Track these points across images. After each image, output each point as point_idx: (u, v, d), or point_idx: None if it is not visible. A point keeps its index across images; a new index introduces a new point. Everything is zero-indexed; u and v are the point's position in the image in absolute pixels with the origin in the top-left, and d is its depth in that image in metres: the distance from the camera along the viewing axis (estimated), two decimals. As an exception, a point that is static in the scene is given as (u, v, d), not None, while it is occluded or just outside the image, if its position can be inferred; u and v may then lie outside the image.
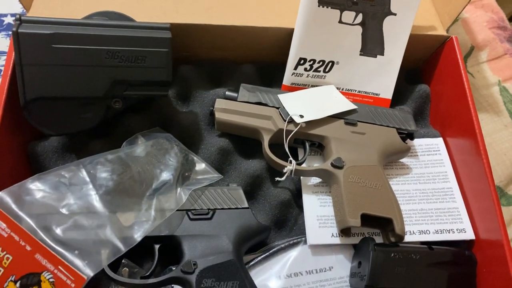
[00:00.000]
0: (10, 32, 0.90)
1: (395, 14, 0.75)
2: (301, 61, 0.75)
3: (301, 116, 0.69)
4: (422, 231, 0.67)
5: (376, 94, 0.79)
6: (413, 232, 0.67)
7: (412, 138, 0.74)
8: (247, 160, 0.73)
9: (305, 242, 0.66)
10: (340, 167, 0.66)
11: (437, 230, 0.67)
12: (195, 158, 0.67)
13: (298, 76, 0.76)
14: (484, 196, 0.66)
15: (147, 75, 0.63)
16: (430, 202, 0.70)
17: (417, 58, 0.84)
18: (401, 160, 0.74)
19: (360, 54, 0.76)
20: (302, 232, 0.67)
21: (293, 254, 0.65)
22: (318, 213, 0.67)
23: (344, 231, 0.65)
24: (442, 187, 0.71)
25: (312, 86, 0.77)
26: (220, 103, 0.70)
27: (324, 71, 0.76)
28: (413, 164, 0.74)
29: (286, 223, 0.70)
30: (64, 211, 0.57)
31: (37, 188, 0.57)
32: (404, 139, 0.72)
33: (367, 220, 0.63)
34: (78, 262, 0.54)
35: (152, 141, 0.66)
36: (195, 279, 0.56)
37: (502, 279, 0.60)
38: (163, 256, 0.61)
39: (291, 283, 0.63)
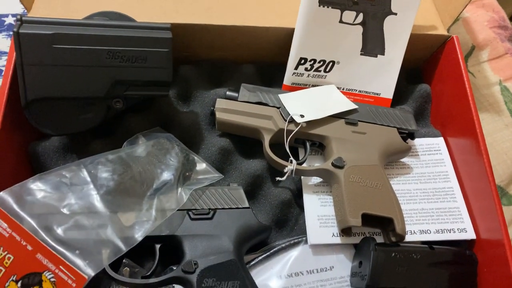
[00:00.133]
0: (11, 33, 0.90)
1: (395, 14, 0.74)
2: (302, 61, 0.75)
3: (302, 116, 0.69)
4: (423, 230, 0.67)
5: (377, 94, 0.79)
6: (414, 232, 0.67)
7: (413, 138, 0.74)
8: (248, 160, 0.73)
9: (306, 241, 0.66)
10: (341, 167, 0.66)
11: (438, 229, 0.67)
12: (195, 158, 0.67)
13: (298, 76, 0.76)
14: (485, 195, 0.66)
15: (148, 75, 0.63)
16: (431, 201, 0.70)
17: (417, 58, 0.84)
18: (401, 160, 0.74)
19: (361, 54, 0.76)
20: (303, 232, 0.67)
21: (293, 253, 0.65)
22: (319, 212, 0.67)
23: (345, 231, 0.65)
24: (443, 186, 0.71)
25: (313, 86, 0.77)
26: (220, 103, 0.70)
27: (325, 71, 0.76)
28: (413, 163, 0.74)
29: (287, 223, 0.70)
30: (65, 211, 0.57)
31: (38, 188, 0.57)
32: (405, 139, 0.72)
33: (368, 219, 0.63)
34: (79, 261, 0.54)
35: (153, 141, 0.66)
36: (196, 278, 0.56)
37: (503, 278, 0.60)
38: (164, 256, 0.61)
39: (291, 282, 0.63)
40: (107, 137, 0.71)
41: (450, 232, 0.67)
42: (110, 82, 0.62)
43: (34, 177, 0.58)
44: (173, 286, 0.61)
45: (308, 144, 0.71)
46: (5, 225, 0.53)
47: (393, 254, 0.60)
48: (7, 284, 0.52)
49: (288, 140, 0.68)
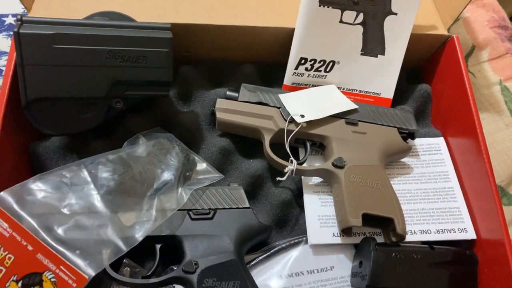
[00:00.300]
0: (11, 33, 0.90)
1: (396, 14, 0.74)
2: (302, 61, 0.75)
3: (302, 116, 0.69)
4: (423, 230, 0.67)
5: (377, 94, 0.79)
6: (414, 232, 0.67)
7: (413, 138, 0.74)
8: (248, 160, 0.73)
9: (306, 241, 0.66)
10: (341, 167, 0.66)
11: (438, 229, 0.67)
12: (196, 158, 0.67)
13: (299, 76, 0.76)
14: (485, 195, 0.66)
15: (148, 75, 0.63)
16: (431, 201, 0.70)
17: (418, 58, 0.84)
18: (402, 160, 0.74)
19: (361, 54, 0.76)
20: (303, 232, 0.67)
21: (294, 253, 0.65)
22: (319, 212, 0.67)
23: (345, 231, 0.65)
24: (443, 186, 0.71)
25: (313, 85, 0.77)
26: (221, 103, 0.70)
27: (325, 71, 0.76)
28: (414, 163, 0.74)
29: (287, 223, 0.70)
30: (65, 211, 0.57)
31: (38, 188, 0.57)
32: (405, 139, 0.72)
33: (368, 219, 0.63)
34: (79, 262, 0.54)
35: (153, 141, 0.66)
36: (196, 278, 0.57)
37: (503, 278, 0.60)
38: (164, 256, 0.61)
39: (292, 282, 0.63)
40: (108, 137, 0.71)
41: (450, 232, 0.67)
42: (111, 82, 0.62)
43: (35, 177, 0.58)
44: (174, 286, 0.61)
45: (308, 144, 0.71)
46: (6, 225, 0.53)
47: (393, 254, 0.60)
48: (7, 284, 0.52)
49: (289, 140, 0.68)
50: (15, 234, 0.53)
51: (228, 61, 0.81)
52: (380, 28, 0.75)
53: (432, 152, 0.75)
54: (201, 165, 0.67)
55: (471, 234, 0.67)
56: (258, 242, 0.65)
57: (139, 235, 0.57)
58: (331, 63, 0.76)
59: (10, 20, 0.95)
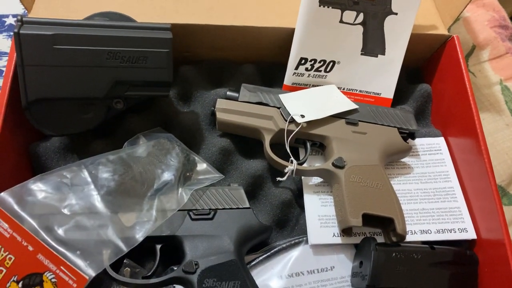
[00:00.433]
0: (12, 33, 0.90)
1: (396, 14, 0.74)
2: (302, 61, 0.75)
3: (302, 116, 0.69)
4: (423, 230, 0.67)
5: (377, 94, 0.79)
6: (415, 232, 0.67)
7: (413, 138, 0.74)
8: (248, 160, 0.73)
9: (307, 242, 0.66)
10: (341, 167, 0.66)
11: (438, 229, 0.67)
12: (196, 158, 0.67)
13: (299, 76, 0.76)
14: (486, 195, 0.66)
15: (148, 75, 0.63)
16: (432, 201, 0.70)
17: (418, 58, 0.84)
18: (402, 160, 0.74)
19: (361, 54, 0.76)
20: (304, 232, 0.67)
21: (294, 254, 0.65)
22: (320, 212, 0.67)
23: (346, 231, 0.65)
24: (444, 186, 0.71)
25: (313, 86, 0.77)
26: (221, 103, 0.70)
27: (325, 71, 0.76)
28: (414, 163, 0.74)
29: (288, 223, 0.71)
30: (66, 211, 0.57)
31: (39, 188, 0.57)
32: (405, 139, 0.72)
33: (369, 219, 0.63)
34: (80, 262, 0.54)
35: (154, 142, 0.66)
36: (197, 279, 0.57)
37: (503, 278, 0.60)
38: (164, 256, 0.61)
39: (292, 283, 0.63)
40: (108, 138, 0.71)
41: (450, 232, 0.67)
42: (111, 82, 0.62)
43: (35, 178, 0.58)
44: (174, 287, 0.61)
45: (308, 144, 0.71)
46: (6, 225, 0.54)
47: (393, 254, 0.60)
48: (8, 285, 0.52)
49: (289, 140, 0.68)
50: (15, 234, 0.53)
51: (228, 61, 0.81)
52: (380, 28, 0.75)
53: (433, 152, 0.75)
54: (201, 165, 0.67)
55: (471, 234, 0.67)
56: (259, 242, 0.65)
57: (140, 236, 0.57)
58: (331, 63, 0.76)
59: (10, 20, 0.95)
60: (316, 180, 0.71)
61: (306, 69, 0.75)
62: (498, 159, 0.82)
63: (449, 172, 0.73)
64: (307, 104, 0.72)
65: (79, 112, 0.64)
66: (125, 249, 0.56)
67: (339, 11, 0.73)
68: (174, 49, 0.64)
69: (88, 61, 0.61)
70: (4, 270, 0.52)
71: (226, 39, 0.76)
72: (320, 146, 0.72)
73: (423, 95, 0.81)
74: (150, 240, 0.58)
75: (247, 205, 0.64)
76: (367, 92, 0.78)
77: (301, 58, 0.74)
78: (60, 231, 0.55)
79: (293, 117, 0.69)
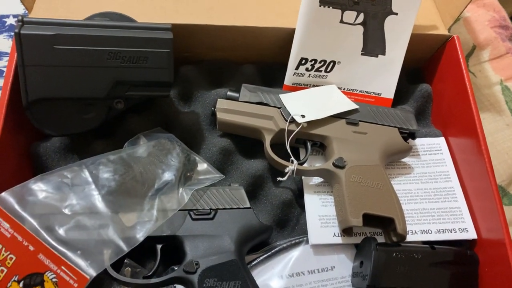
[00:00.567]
0: (12, 33, 0.90)
1: (396, 14, 0.74)
2: (303, 61, 0.75)
3: (303, 116, 0.69)
4: (424, 230, 0.67)
5: (378, 94, 0.79)
6: (415, 232, 0.67)
7: (413, 138, 0.74)
8: (249, 160, 0.73)
9: (307, 241, 0.66)
10: (342, 167, 0.66)
11: (439, 229, 0.67)
12: (197, 158, 0.67)
13: (299, 76, 0.76)
14: (486, 195, 0.66)
15: (149, 75, 0.63)
16: (432, 201, 0.70)
17: (418, 58, 0.84)
18: (402, 160, 0.74)
19: (362, 54, 0.76)
20: (304, 232, 0.67)
21: (295, 254, 0.65)
22: (320, 212, 0.67)
23: (346, 231, 0.65)
24: (444, 186, 0.71)
25: (314, 86, 0.77)
26: (221, 103, 0.71)
27: (326, 71, 0.76)
28: (414, 163, 0.74)
29: (288, 223, 0.71)
30: (66, 211, 0.57)
31: (39, 188, 0.57)
32: (405, 139, 0.72)
33: (369, 219, 0.63)
34: (80, 262, 0.54)
35: (154, 142, 0.66)
36: (197, 279, 0.57)
37: (504, 278, 0.60)
38: (165, 256, 0.61)
39: (293, 282, 0.63)
40: (108, 138, 0.71)
41: (451, 232, 0.67)
42: (111, 82, 0.62)
43: (36, 178, 0.58)
44: (175, 286, 0.61)
45: (309, 144, 0.71)
46: (7, 225, 0.54)
47: (394, 254, 0.60)
48: (9, 284, 0.52)
49: (289, 140, 0.68)
50: (16, 234, 0.53)
51: (228, 62, 0.81)
52: (381, 28, 0.75)
53: (433, 152, 0.75)
54: (202, 166, 0.67)
55: (471, 234, 0.67)
56: (259, 242, 0.65)
57: (140, 236, 0.57)
58: (332, 63, 0.76)
59: (11, 21, 0.95)
60: (317, 180, 0.71)
61: (307, 69, 0.75)
62: (498, 159, 0.82)
63: (449, 172, 0.73)
64: (307, 104, 0.72)
65: (79, 112, 0.64)
66: (125, 249, 0.56)
67: (339, 11, 0.73)
68: (175, 49, 0.64)
69: (88, 61, 0.61)
70: (5, 270, 0.52)
71: (226, 39, 0.77)
72: (320, 146, 0.72)
73: (424, 95, 0.81)
74: (150, 240, 0.58)
75: (248, 205, 0.64)
76: (367, 92, 0.78)
77: (302, 58, 0.75)
78: (61, 231, 0.55)
79: (294, 117, 0.69)
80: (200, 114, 0.76)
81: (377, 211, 0.63)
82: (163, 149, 0.65)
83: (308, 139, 0.71)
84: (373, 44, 0.76)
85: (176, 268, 0.59)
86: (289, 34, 0.75)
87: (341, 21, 0.74)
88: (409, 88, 0.83)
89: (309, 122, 0.69)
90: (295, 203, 0.71)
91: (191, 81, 0.78)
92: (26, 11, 0.73)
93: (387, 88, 0.78)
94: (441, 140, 0.77)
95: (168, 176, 0.62)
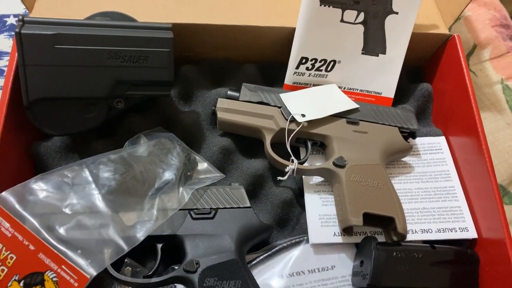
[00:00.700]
0: (13, 33, 0.90)
1: (397, 13, 0.74)
2: (303, 60, 0.75)
3: (303, 115, 0.69)
4: (424, 230, 0.67)
5: (378, 93, 0.78)
6: (415, 231, 0.67)
7: (414, 137, 0.74)
8: (249, 160, 0.73)
9: (307, 241, 0.66)
10: (342, 166, 0.66)
11: (439, 229, 0.67)
12: (197, 157, 0.67)
13: (300, 75, 0.76)
14: (487, 195, 0.66)
15: (149, 75, 0.63)
16: (433, 201, 0.70)
17: (419, 57, 0.84)
18: (403, 159, 0.74)
19: (362, 53, 0.76)
20: (304, 231, 0.67)
21: (295, 253, 0.65)
22: (320, 212, 0.67)
23: (346, 230, 0.65)
24: (445, 185, 0.71)
25: (314, 85, 0.77)
26: (222, 103, 0.71)
27: (326, 70, 0.76)
28: (415, 162, 0.74)
29: (288, 222, 0.71)
30: (67, 210, 0.57)
31: (40, 188, 0.57)
32: (406, 138, 0.72)
33: (369, 219, 0.63)
34: (81, 261, 0.54)
35: (155, 141, 0.66)
36: (198, 278, 0.57)
37: (504, 278, 0.60)
38: (165, 255, 0.61)
39: (293, 282, 0.63)
40: (109, 137, 0.71)
41: (451, 231, 0.67)
42: (112, 82, 0.62)
43: (36, 177, 0.58)
44: (175, 286, 0.61)
45: (309, 144, 0.71)
46: (8, 225, 0.54)
47: (394, 254, 0.60)
48: (9, 284, 0.52)
49: (289, 139, 0.68)
50: (17, 233, 0.54)
51: (229, 61, 0.81)
52: (381, 27, 0.75)
53: (433, 151, 0.75)
54: (202, 165, 0.67)
55: (472, 233, 0.67)
56: (259, 242, 0.65)
57: (141, 235, 0.57)
58: (332, 63, 0.76)
59: (11, 20, 0.95)
60: (317, 179, 0.71)
61: (307, 69, 0.75)
62: (499, 158, 0.82)
63: (450, 171, 0.73)
64: (307, 103, 0.72)
65: (80, 112, 0.64)
66: (126, 248, 0.56)
67: (340, 10, 0.73)
68: (175, 48, 0.64)
69: (89, 61, 0.61)
70: (6, 269, 0.52)
71: (227, 38, 0.77)
72: (321, 146, 0.72)
73: (424, 94, 0.81)
74: (151, 239, 0.58)
75: (248, 204, 0.64)
76: (367, 91, 0.78)
77: (302, 58, 0.74)
78: (61, 230, 0.55)
79: (294, 116, 0.69)
80: (200, 113, 0.76)
81: (377, 210, 0.63)
82: (163, 149, 0.65)
83: (309, 138, 0.71)
84: (374, 43, 0.76)
85: (176, 268, 0.59)
86: (289, 34, 0.75)
87: (342, 20, 0.74)
88: (410, 87, 0.82)
89: (309, 122, 0.69)
90: (295, 203, 0.71)
91: (191, 81, 0.78)
92: (27, 11, 0.73)
93: (388, 87, 0.78)
94: (442, 139, 0.76)
95: (168, 175, 0.62)
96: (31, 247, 0.53)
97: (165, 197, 0.61)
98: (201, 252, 0.59)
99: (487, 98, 0.88)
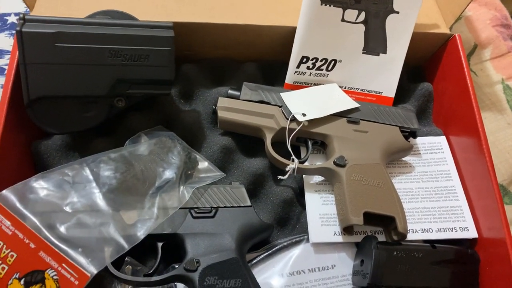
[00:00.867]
0: (14, 31, 0.90)
1: (397, 12, 0.74)
2: (304, 60, 0.75)
3: (304, 115, 0.69)
4: (424, 229, 0.67)
5: (379, 93, 0.78)
6: (416, 231, 0.67)
7: (414, 137, 0.74)
8: (250, 159, 0.73)
9: (308, 240, 0.66)
10: (343, 166, 0.66)
11: (439, 228, 0.67)
12: (197, 156, 0.67)
13: (300, 74, 0.76)
14: (487, 194, 0.66)
15: (150, 73, 0.63)
16: (433, 200, 0.70)
17: (420, 56, 0.84)
18: (403, 159, 0.74)
19: (363, 53, 0.76)
20: (305, 230, 0.67)
21: (295, 252, 0.65)
22: (321, 211, 0.67)
23: (347, 229, 0.65)
24: (445, 185, 0.71)
25: (315, 84, 0.77)
26: (222, 102, 0.71)
27: (327, 70, 0.76)
28: (415, 162, 0.74)
29: (289, 221, 0.71)
30: (67, 209, 0.57)
31: (41, 186, 0.57)
32: (406, 138, 0.72)
33: (370, 218, 0.63)
34: (81, 259, 0.54)
35: (155, 140, 0.66)
36: (198, 277, 0.57)
37: (505, 277, 0.60)
38: (166, 254, 0.61)
39: (293, 281, 0.63)
40: (110, 136, 0.71)
41: (452, 231, 0.67)
42: (112, 80, 0.62)
43: (37, 176, 0.58)
44: (175, 284, 0.61)
45: (310, 143, 0.71)
46: (8, 223, 0.54)
47: (394, 253, 0.61)
48: (10, 282, 0.52)
49: (290, 138, 0.68)
50: (17, 232, 0.54)
51: (230, 60, 0.81)
52: (382, 27, 0.75)
53: (434, 151, 0.75)
54: (203, 164, 0.67)
55: (472, 233, 0.67)
56: (260, 241, 0.65)
57: (141, 233, 0.57)
58: (333, 62, 0.76)
59: (12, 19, 0.95)
60: (317, 178, 0.71)
61: (308, 68, 0.75)
62: (499, 158, 0.82)
63: (450, 171, 0.73)
64: (308, 102, 0.72)
65: (81, 110, 0.64)
66: (126, 246, 0.56)
67: (340, 9, 0.73)
68: (176, 47, 0.64)
69: (90, 59, 0.61)
70: (6, 268, 0.53)
71: (227, 37, 0.77)
72: (321, 145, 0.72)
73: (425, 94, 0.81)
74: (151, 238, 0.59)
75: (249, 203, 0.64)
76: (368, 90, 0.78)
77: (303, 57, 0.74)
78: (62, 229, 0.55)
79: (295, 115, 0.69)
80: (201, 112, 0.76)
81: (378, 209, 0.63)
82: (164, 147, 0.65)
83: (309, 137, 0.71)
84: (374, 43, 0.76)
85: (176, 266, 0.59)
86: (290, 33, 0.75)
87: (343, 20, 0.74)
88: (410, 87, 0.82)
89: (310, 121, 0.69)
90: (295, 202, 0.71)
91: (192, 80, 0.78)
92: (28, 9, 0.73)
93: (388, 86, 0.78)
94: (442, 139, 0.76)
95: (169, 174, 0.62)
96: (32, 245, 0.53)
97: (166, 195, 0.61)
98: (202, 250, 0.59)
99: (487, 98, 0.88)
